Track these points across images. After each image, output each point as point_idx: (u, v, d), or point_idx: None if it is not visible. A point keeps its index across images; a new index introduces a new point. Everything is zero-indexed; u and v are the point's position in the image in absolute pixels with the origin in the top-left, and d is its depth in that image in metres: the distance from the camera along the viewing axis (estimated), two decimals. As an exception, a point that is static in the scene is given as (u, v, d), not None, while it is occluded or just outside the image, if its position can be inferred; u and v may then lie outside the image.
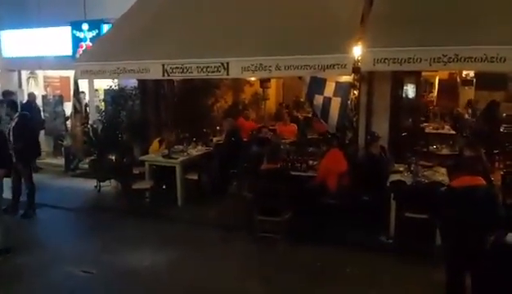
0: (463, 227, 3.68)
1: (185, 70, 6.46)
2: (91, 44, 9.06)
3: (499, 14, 5.31)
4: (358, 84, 7.59)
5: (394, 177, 5.89)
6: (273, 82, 12.62)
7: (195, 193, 7.49)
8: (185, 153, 7.64)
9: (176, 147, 7.85)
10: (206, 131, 9.17)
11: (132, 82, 9.18)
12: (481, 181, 3.85)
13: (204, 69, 6.35)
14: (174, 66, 6.44)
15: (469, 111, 10.97)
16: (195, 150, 7.91)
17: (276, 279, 4.91)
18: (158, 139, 8.00)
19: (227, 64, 6.17)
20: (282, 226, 5.66)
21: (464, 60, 5.16)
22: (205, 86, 9.12)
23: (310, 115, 10.16)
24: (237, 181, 7.34)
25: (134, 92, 9.02)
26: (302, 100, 11.55)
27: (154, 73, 6.47)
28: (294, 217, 5.76)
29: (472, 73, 11.85)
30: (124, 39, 6.99)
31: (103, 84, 9.91)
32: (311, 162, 6.85)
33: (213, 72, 6.33)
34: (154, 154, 7.67)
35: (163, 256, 5.52)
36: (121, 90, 8.90)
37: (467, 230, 3.64)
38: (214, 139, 8.82)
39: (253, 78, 10.74)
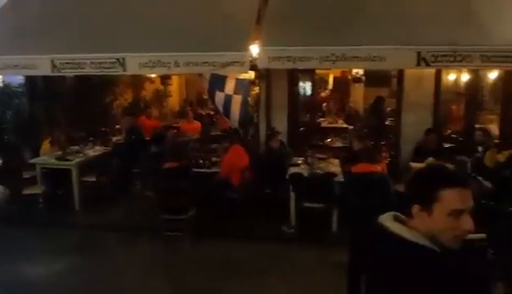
0: (362, 211, 4.00)
1: (77, 66, 6.12)
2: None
3: (383, 17, 5.85)
4: (258, 81, 7.84)
5: (293, 170, 6.19)
6: (175, 78, 12.45)
7: (94, 195, 7.10)
8: (81, 154, 7.20)
9: (71, 148, 7.36)
10: (104, 131, 8.74)
11: (18, 79, 8.43)
12: (377, 168, 4.36)
13: (99, 65, 6.08)
14: (65, 61, 6.06)
15: (360, 106, 11.94)
16: (93, 151, 7.50)
17: (182, 277, 4.89)
18: (48, 140, 7.43)
19: (123, 59, 5.97)
20: (187, 224, 5.63)
21: (350, 59, 5.63)
22: (103, 82, 8.69)
23: (213, 112, 10.23)
24: (139, 181, 7.12)
25: (21, 90, 8.28)
26: (205, 97, 11.56)
27: (42, 69, 6.03)
28: (198, 214, 5.77)
29: (361, 72, 12.83)
30: (6, 30, 6.37)
31: (-17, 81, 8.95)
32: (214, 158, 6.91)
33: (108, 68, 6.08)
34: (47, 156, 7.12)
35: (59, 265, 5.14)
36: (6, 87, 8.11)
37: (367, 215, 3.95)
38: (114, 138, 8.44)
39: (153, 75, 10.48)
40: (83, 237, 6.00)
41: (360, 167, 4.34)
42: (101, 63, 6.01)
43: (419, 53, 5.41)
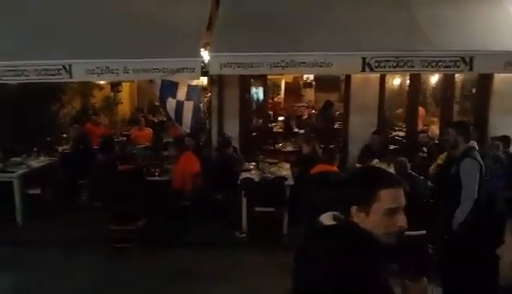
0: (316, 211, 4.13)
1: (20, 73, 5.89)
2: None
3: (330, 23, 6.07)
4: (210, 87, 7.85)
5: (244, 175, 6.23)
6: (126, 85, 12.16)
7: (39, 209, 6.72)
8: (24, 166, 6.86)
9: (13, 159, 7.00)
10: (50, 140, 8.38)
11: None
12: (334, 168, 4.76)
13: (44, 72, 5.88)
14: (7, 69, 5.82)
15: (310, 110, 12.23)
16: (37, 161, 7.16)
17: (131, 289, 4.76)
18: None
19: (70, 66, 5.82)
20: (136, 234, 5.48)
21: (299, 65, 5.80)
22: (48, 90, 8.34)
23: (165, 119, 10.10)
24: (87, 192, 6.88)
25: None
26: (157, 103, 11.38)
27: (-19, 76, 5.74)
28: (149, 223, 5.64)
29: (312, 77, 13.17)
30: None
31: None
32: (166, 165, 6.81)
33: (53, 75, 5.91)
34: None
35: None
36: None
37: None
38: (60, 148, 8.12)
39: (103, 82, 10.20)
40: (23, 253, 5.62)
41: (319, 168, 4.61)
42: (46, 70, 5.82)
43: (364, 59, 5.66)
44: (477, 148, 3.89)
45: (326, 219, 1.59)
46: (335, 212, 1.62)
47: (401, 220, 1.52)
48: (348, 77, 7.56)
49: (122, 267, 5.28)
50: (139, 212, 5.52)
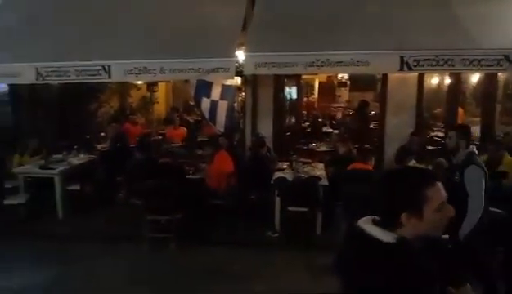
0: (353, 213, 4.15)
1: (62, 74, 6.08)
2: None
3: (367, 22, 5.95)
4: (244, 87, 7.88)
5: (278, 174, 6.22)
6: (162, 85, 12.40)
7: (78, 204, 6.98)
8: (65, 163, 7.12)
9: (55, 156, 7.28)
10: (89, 138, 8.66)
11: (1, 87, 8.33)
12: (369, 167, 5.05)
13: (83, 73, 6.05)
14: (50, 69, 6.02)
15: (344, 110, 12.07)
16: (77, 159, 7.42)
17: (167, 282, 4.86)
18: (19, 151, 7.29)
19: (109, 67, 5.95)
20: (173, 225, 5.59)
21: (335, 64, 5.70)
22: (88, 90, 8.62)
23: (199, 118, 10.22)
24: (124, 189, 7.06)
25: (5, 98, 8.18)
26: (191, 103, 11.54)
27: (27, 77, 5.98)
28: (183, 219, 5.73)
29: (346, 76, 12.99)
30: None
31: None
32: (200, 164, 6.89)
33: (93, 75, 6.05)
34: (30, 165, 7.02)
35: (42, 275, 5.03)
36: (-11, 96, 8.01)
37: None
38: (99, 146, 8.37)
39: (139, 82, 10.44)
40: (64, 246, 5.85)
41: (354, 166, 4.82)
42: (86, 70, 5.98)
43: (402, 57, 5.50)
44: (477, 153, 3.73)
45: (368, 225, 1.53)
46: (375, 217, 1.57)
47: (449, 210, 1.51)
48: (385, 76, 7.40)
49: (157, 261, 5.41)
50: (176, 206, 5.60)
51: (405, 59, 5.51)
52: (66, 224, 6.62)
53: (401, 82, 7.15)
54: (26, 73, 5.93)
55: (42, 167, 6.83)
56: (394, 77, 7.13)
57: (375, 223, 1.54)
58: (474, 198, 3.57)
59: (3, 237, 6.07)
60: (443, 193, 1.51)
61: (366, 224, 1.54)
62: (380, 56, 5.60)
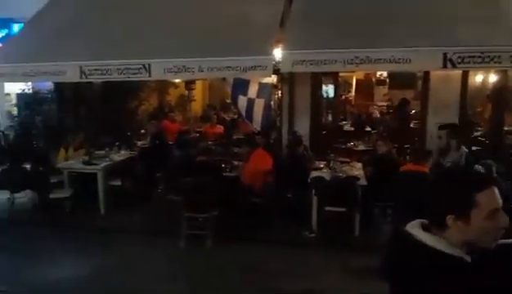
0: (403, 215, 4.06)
1: (104, 72, 6.26)
2: (0, 44, 8.42)
3: (407, 18, 5.79)
4: (280, 85, 7.85)
5: (315, 174, 6.15)
6: (199, 83, 12.57)
7: (119, 199, 7.19)
8: (107, 159, 7.35)
9: (97, 152, 7.53)
10: (130, 135, 8.90)
11: (47, 85, 8.69)
12: (422, 168, 4.83)
13: (125, 71, 6.20)
14: (93, 68, 6.21)
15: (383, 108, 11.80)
16: (118, 155, 7.64)
17: (202, 278, 4.93)
18: (63, 146, 7.58)
19: (149, 65, 6.08)
20: (210, 223, 5.66)
21: (375, 62, 5.57)
22: (128, 88, 8.86)
23: (236, 116, 10.28)
24: (163, 185, 7.21)
25: (50, 96, 8.52)
26: (228, 101, 11.63)
27: (71, 75, 6.20)
28: (220, 216, 5.79)
29: (385, 74, 12.69)
30: (38, 39, 6.62)
31: (15, 88, 9.27)
32: (236, 162, 6.93)
33: (134, 73, 6.20)
34: (74, 161, 7.30)
35: (85, 266, 5.23)
36: (35, 93, 8.36)
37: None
38: (139, 143, 8.58)
39: (178, 80, 10.62)
40: (106, 239, 6.06)
41: (408, 167, 4.78)
42: (127, 69, 6.13)
43: (445, 54, 5.31)
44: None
45: (414, 228, 1.49)
46: (424, 220, 1.51)
47: (503, 220, 1.40)
48: (427, 73, 7.17)
49: (194, 256, 5.49)
50: (213, 203, 5.66)
51: (448, 56, 5.31)
52: (108, 219, 6.85)
53: (444, 80, 6.90)
54: (71, 72, 6.15)
55: (85, 163, 7.08)
56: (437, 74, 6.90)
57: (423, 227, 1.49)
58: None
59: (50, 229, 6.36)
60: (497, 200, 1.41)
61: (414, 229, 1.48)
62: (422, 53, 5.42)
